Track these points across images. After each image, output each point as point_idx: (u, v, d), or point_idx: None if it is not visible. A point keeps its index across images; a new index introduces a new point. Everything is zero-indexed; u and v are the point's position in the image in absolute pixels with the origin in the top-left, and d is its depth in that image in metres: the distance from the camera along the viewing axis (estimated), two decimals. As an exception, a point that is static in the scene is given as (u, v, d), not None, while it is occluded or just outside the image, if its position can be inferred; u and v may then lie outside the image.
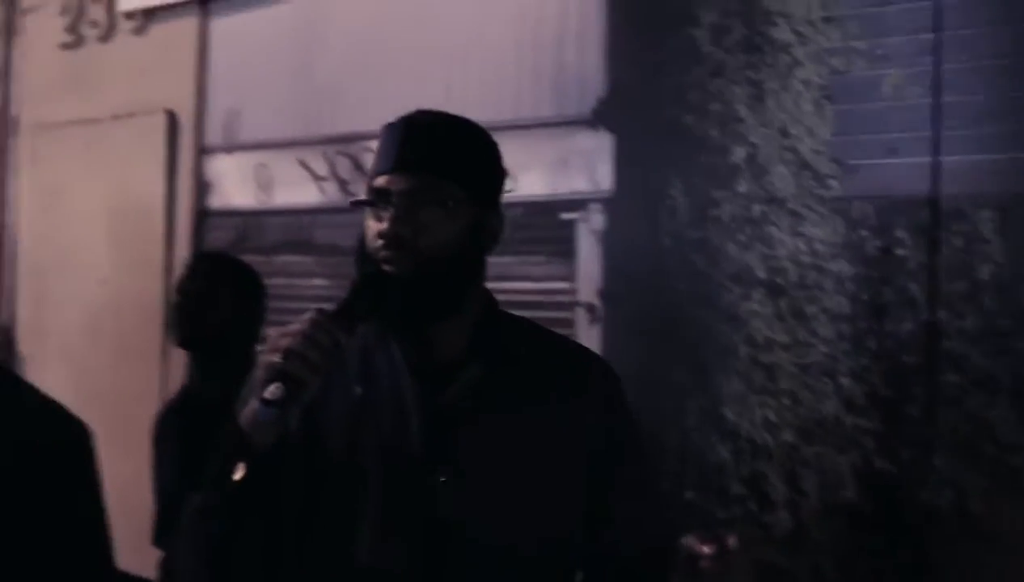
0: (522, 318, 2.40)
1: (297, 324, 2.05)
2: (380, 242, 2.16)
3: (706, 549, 1.99)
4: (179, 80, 4.75)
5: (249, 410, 2.09)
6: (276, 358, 2.02)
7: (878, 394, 2.84)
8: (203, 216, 4.65)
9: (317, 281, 3.67)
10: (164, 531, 3.69)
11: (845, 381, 2.89)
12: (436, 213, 2.16)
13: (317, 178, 4.20)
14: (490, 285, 3.53)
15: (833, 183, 2.92)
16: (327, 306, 2.08)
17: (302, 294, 4.23)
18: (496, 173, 2.29)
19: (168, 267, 4.79)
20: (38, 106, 5.57)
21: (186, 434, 3.58)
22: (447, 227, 2.17)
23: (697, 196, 3.15)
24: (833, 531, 2.91)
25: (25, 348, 5.60)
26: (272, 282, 4.07)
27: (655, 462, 2.48)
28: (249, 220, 4.45)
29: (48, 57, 5.52)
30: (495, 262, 3.52)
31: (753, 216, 3.05)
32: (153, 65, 4.93)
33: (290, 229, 4.30)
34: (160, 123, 4.83)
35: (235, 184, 4.51)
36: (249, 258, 3.88)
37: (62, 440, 2.77)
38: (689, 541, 2.01)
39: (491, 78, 3.66)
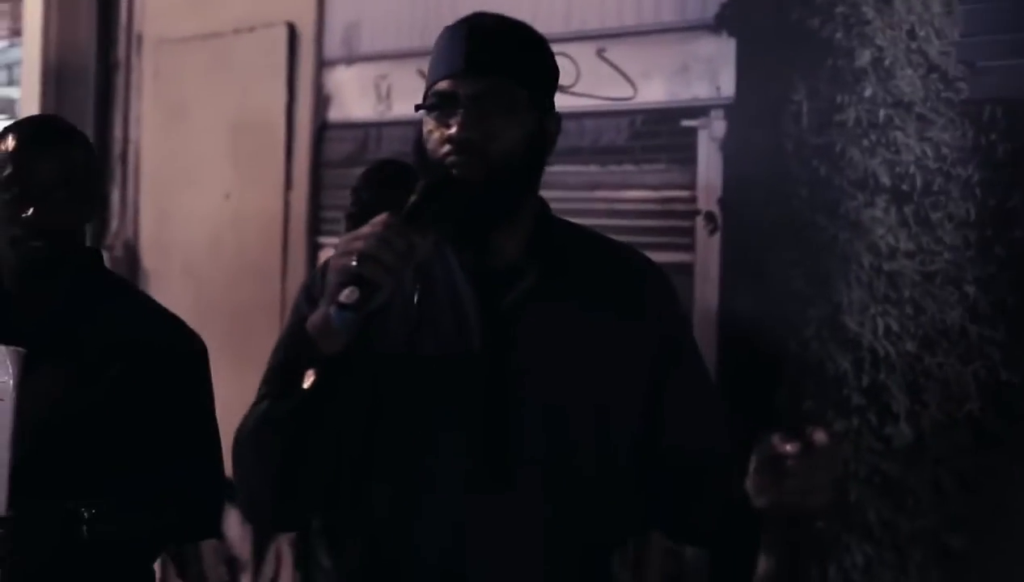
0: (576, 224, 2.37)
1: (369, 226, 2.02)
2: (447, 147, 2.12)
3: (789, 448, 1.93)
4: (299, -7, 4.74)
5: (319, 315, 2.05)
6: (350, 261, 1.99)
7: (1005, 303, 2.78)
8: (323, 129, 4.64)
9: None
10: None
11: (971, 290, 2.83)
12: (504, 118, 2.13)
13: (436, 89, 4.17)
14: (608, 193, 3.51)
15: (962, 85, 2.85)
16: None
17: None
18: (554, 76, 2.26)
19: (288, 181, 4.80)
20: (160, 22, 5.60)
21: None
22: (515, 132, 2.15)
23: (821, 101, 3.09)
24: (955, 445, 2.86)
25: (148, 263, 5.66)
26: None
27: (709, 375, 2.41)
28: (369, 132, 4.43)
29: (170, -27, 5.55)
30: (615, 171, 3.52)
31: (879, 121, 2.98)
32: (274, -22, 4.94)
33: (408, 140, 4.26)
34: (281, 36, 4.83)
35: (354, 96, 4.51)
36: (367, 170, 3.87)
37: (180, 351, 2.84)
38: (772, 440, 1.95)
39: (616, -18, 3.61)
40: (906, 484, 2.92)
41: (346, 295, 1.96)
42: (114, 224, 5.78)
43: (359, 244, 2.00)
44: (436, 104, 2.15)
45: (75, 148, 2.79)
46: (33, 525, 2.57)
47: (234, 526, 5.03)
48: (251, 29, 5.02)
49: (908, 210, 2.92)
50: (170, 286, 5.43)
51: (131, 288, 3.03)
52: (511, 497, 2.17)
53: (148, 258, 5.66)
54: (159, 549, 2.98)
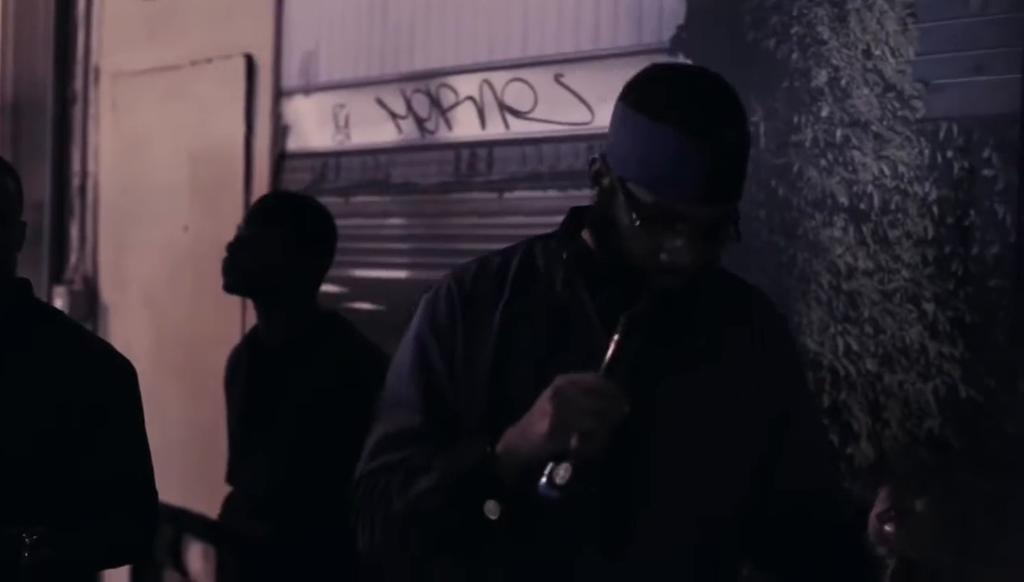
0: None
1: (581, 392, 1.96)
2: (660, 267, 2.06)
3: (919, 504, 1.93)
4: (257, 23, 4.74)
5: (518, 444, 2.02)
6: (569, 439, 1.93)
7: (964, 320, 2.78)
8: (281, 159, 4.63)
9: (394, 220, 3.64)
10: (233, 471, 3.69)
11: (929, 307, 2.83)
12: (724, 240, 2.09)
13: (395, 116, 4.17)
14: (547, 219, 3.50)
15: (918, 104, 2.85)
16: (605, 358, 2.00)
17: (379, 234, 4.21)
18: None
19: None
20: (117, 54, 5.60)
21: (250, 379, 3.58)
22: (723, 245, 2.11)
23: (778, 122, 3.09)
24: (916, 462, 2.85)
25: (107, 296, 5.64)
26: (350, 222, 4.05)
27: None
28: (327, 161, 4.43)
29: (126, 5, 5.53)
30: (574, 196, 3.52)
31: (836, 140, 2.99)
32: (230, 10, 4.93)
33: (367, 169, 4.28)
34: (239, 67, 4.83)
35: (313, 126, 4.50)
36: (327, 199, 3.86)
37: (110, 376, 2.85)
38: (891, 491, 1.96)
39: (568, 9, 3.61)
40: (869, 503, 2.91)
41: (560, 475, 1.92)
42: (73, 257, 5.75)
43: (576, 417, 1.94)
44: (657, 218, 2.04)
45: (5, 178, 2.80)
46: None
47: (196, 560, 5.00)
48: (208, 60, 5.01)
49: (866, 229, 2.93)
50: (130, 318, 5.41)
51: (60, 317, 3.03)
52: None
53: (107, 291, 5.64)
54: (94, 573, 2.98)
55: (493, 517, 2.03)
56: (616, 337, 2.01)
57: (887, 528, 1.96)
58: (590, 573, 2.15)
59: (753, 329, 2.24)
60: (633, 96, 2.10)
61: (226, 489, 4.16)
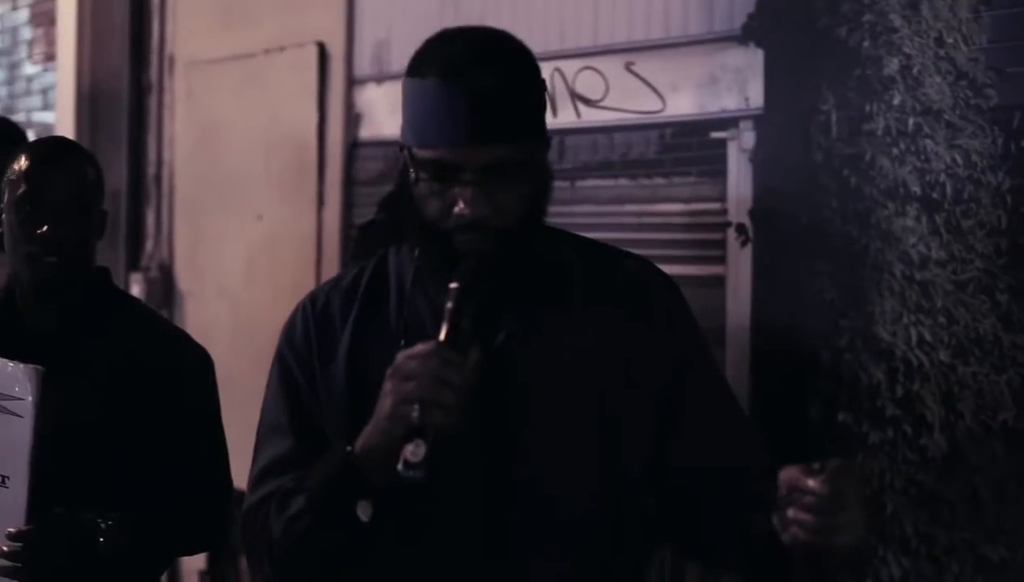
0: (568, 233, 2.30)
1: (416, 360, 1.92)
2: (453, 222, 2.03)
3: (811, 483, 1.87)
4: (329, 12, 4.75)
5: (370, 443, 1.99)
6: (412, 413, 1.89)
7: (1038, 311, 2.75)
8: (354, 147, 4.65)
9: (465, 208, 3.63)
10: None
11: (1003, 298, 2.80)
12: (516, 180, 2.05)
13: (465, 105, 4.16)
14: (638, 207, 3.49)
15: (991, 92, 2.82)
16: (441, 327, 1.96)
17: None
18: (544, 94, 2.16)
19: (320, 200, 4.80)
20: (191, 43, 5.62)
21: None
22: (527, 189, 2.07)
23: (850, 110, 3.07)
24: (991, 454, 2.83)
25: (183, 285, 5.67)
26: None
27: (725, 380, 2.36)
28: (399, 150, 4.42)
29: (200, -6, 5.57)
30: (645, 184, 3.51)
31: (908, 129, 2.96)
32: (303, -2, 4.95)
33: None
34: (311, 55, 4.84)
35: (385, 114, 4.50)
36: (397, 187, 3.86)
37: (185, 364, 2.88)
38: (789, 474, 1.90)
39: (639, -3, 3.60)
40: (942, 495, 2.89)
41: (411, 452, 1.88)
42: (149, 246, 5.79)
43: (412, 388, 1.91)
44: (436, 173, 2.05)
45: (85, 166, 2.83)
46: (52, 537, 2.60)
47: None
48: (281, 49, 5.03)
49: (939, 219, 2.90)
50: (205, 307, 5.45)
51: (138, 304, 3.07)
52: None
53: (183, 280, 5.68)
54: (169, 560, 3.02)
55: (365, 518, 2.00)
56: (449, 305, 1.98)
57: (789, 513, 1.91)
58: (478, 573, 2.13)
59: (644, 308, 2.19)
60: (409, 64, 2.13)
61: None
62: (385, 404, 1.97)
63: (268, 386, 2.29)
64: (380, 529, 2.05)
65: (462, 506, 2.13)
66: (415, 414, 1.89)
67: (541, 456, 2.12)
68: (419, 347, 1.96)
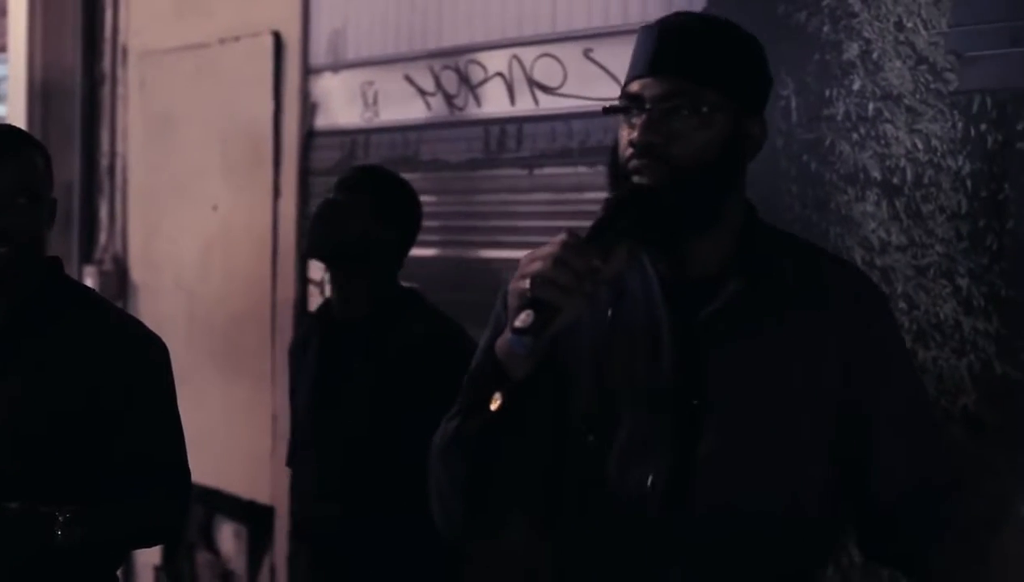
0: (788, 233, 2.28)
1: (548, 246, 1.95)
2: (630, 151, 2.07)
3: None
4: (284, 1, 4.72)
5: (503, 339, 2.01)
6: (525, 284, 1.93)
7: (998, 295, 2.75)
8: (310, 137, 4.62)
9: (423, 197, 3.62)
10: (294, 453, 3.64)
11: (963, 282, 2.80)
12: (690, 120, 2.07)
13: (423, 93, 4.15)
14: (597, 195, 3.47)
15: (951, 76, 2.82)
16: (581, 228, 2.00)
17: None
18: (759, 77, 2.18)
19: (276, 190, 4.78)
20: (145, 34, 5.59)
21: (321, 355, 3.52)
22: (702, 134, 2.08)
23: (809, 96, 3.07)
24: (950, 440, 2.82)
25: (138, 277, 5.64)
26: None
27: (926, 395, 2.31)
28: (356, 138, 4.41)
29: (155, -16, 5.53)
30: (603, 172, 3.49)
31: (868, 114, 2.96)
32: (258, -13, 4.93)
33: (396, 146, 4.26)
34: (267, 45, 4.81)
35: (341, 103, 4.49)
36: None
37: (142, 355, 2.85)
38: None
39: (597, -17, 3.59)
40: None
41: (522, 320, 1.90)
42: (102, 238, 5.75)
43: (536, 266, 1.94)
44: (624, 107, 2.11)
45: (33, 154, 2.79)
46: (9, 530, 2.58)
47: (228, 540, 5.01)
48: (236, 38, 5.00)
49: (899, 203, 2.90)
50: (161, 299, 5.41)
51: (92, 294, 3.03)
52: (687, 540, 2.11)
53: (137, 272, 5.64)
54: (125, 553, 2.99)
55: (494, 407, 2.03)
56: (601, 215, 2.03)
57: None
58: (651, 533, 2.12)
59: (846, 317, 2.14)
60: None
61: (260, 470, 4.17)
62: (512, 284, 2.01)
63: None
64: (515, 423, 2.07)
65: (640, 471, 2.11)
66: (527, 285, 1.93)
67: (725, 440, 2.10)
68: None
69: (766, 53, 2.20)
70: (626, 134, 2.09)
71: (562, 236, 1.97)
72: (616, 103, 2.12)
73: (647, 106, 2.07)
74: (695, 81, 2.08)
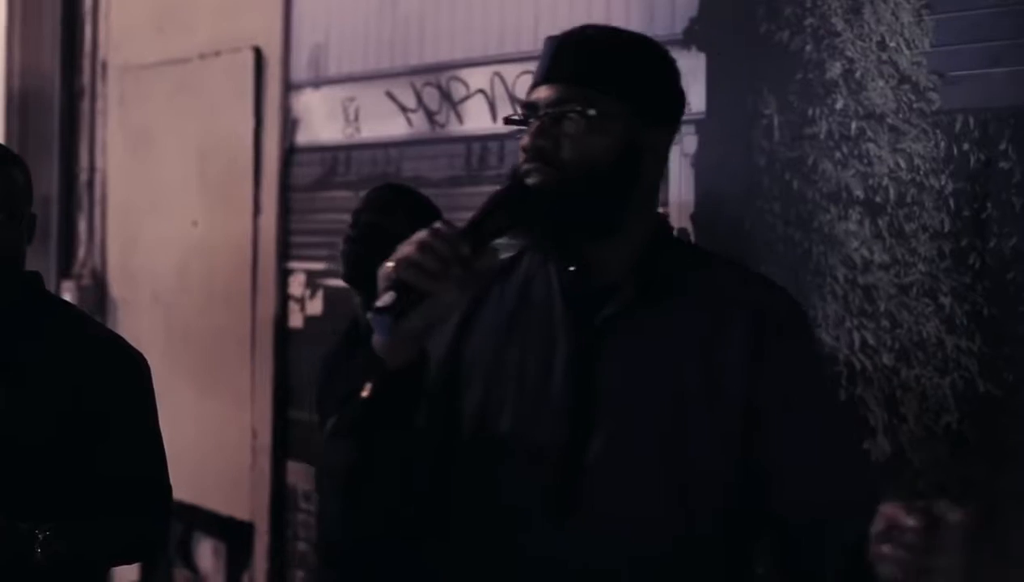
0: (702, 248, 2.31)
1: (420, 233, 1.98)
2: (523, 156, 2.10)
3: (911, 521, 1.82)
4: (265, 16, 4.72)
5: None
6: (391, 267, 1.96)
7: (981, 314, 2.75)
8: (291, 153, 4.62)
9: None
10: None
11: (946, 301, 2.81)
12: (580, 124, 2.09)
13: (405, 110, 4.15)
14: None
15: (933, 96, 2.83)
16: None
17: (390, 228, 4.18)
18: (662, 89, 2.18)
19: (256, 206, 4.77)
20: (124, 48, 5.58)
21: (350, 374, 3.50)
22: (593, 140, 2.09)
23: (792, 114, 3.07)
24: (933, 457, 2.83)
25: (116, 292, 5.62)
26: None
27: (846, 414, 2.27)
28: (337, 155, 4.41)
29: (134, -1, 5.52)
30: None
31: (850, 133, 2.96)
32: (238, 2, 4.92)
33: (377, 163, 4.26)
34: (247, 60, 4.81)
35: (322, 119, 4.48)
36: (336, 193, 3.85)
37: (121, 370, 2.84)
38: (889, 510, 1.85)
39: (580, 0, 3.58)
40: (885, 499, 2.89)
41: (383, 300, 1.95)
42: (81, 252, 5.74)
43: (404, 250, 1.97)
44: (522, 117, 2.15)
45: (11, 169, 2.79)
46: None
47: (206, 557, 4.99)
48: (217, 54, 4.99)
49: (882, 222, 2.90)
50: (139, 314, 5.40)
51: (72, 309, 3.02)
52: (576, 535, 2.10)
53: (116, 286, 5.63)
54: (105, 570, 2.98)
55: (364, 394, 2.06)
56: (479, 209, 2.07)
57: (884, 549, 1.87)
58: (537, 542, 2.11)
59: (745, 334, 2.11)
60: None
61: (239, 483, 4.12)
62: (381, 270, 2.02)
63: None
64: (387, 412, 2.08)
65: (532, 466, 2.11)
66: (391, 267, 1.96)
67: (613, 447, 2.09)
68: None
69: (677, 67, 2.22)
70: (521, 140, 2.13)
71: (436, 223, 2.01)
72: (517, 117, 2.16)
73: (540, 113, 2.10)
74: (587, 87, 2.11)
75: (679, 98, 2.23)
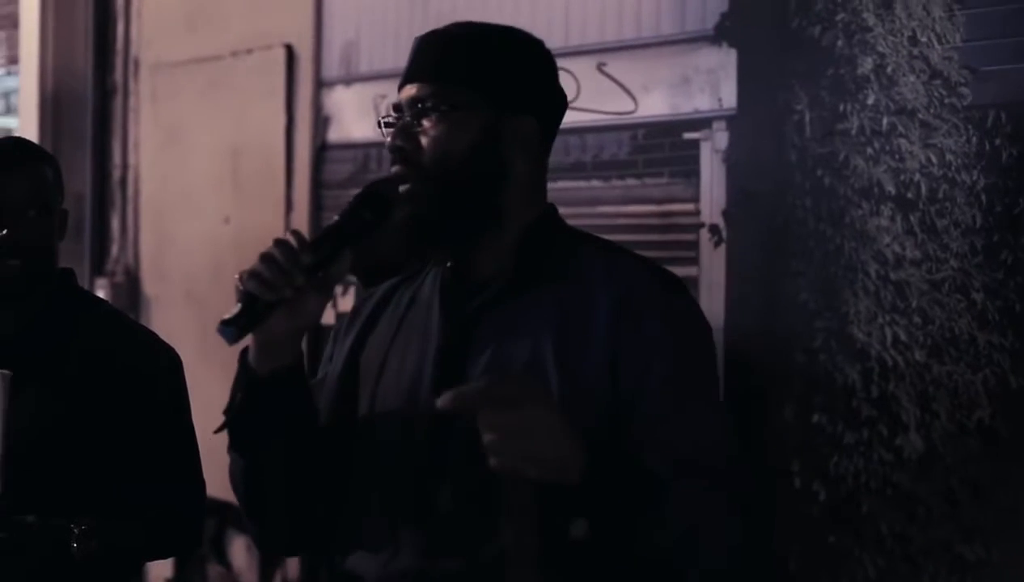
0: (590, 235, 2.26)
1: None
2: (392, 158, 2.13)
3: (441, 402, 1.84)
4: (297, 14, 4.72)
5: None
6: (237, 278, 2.02)
7: (1013, 310, 2.75)
8: (322, 150, 4.62)
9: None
10: None
11: (978, 297, 2.80)
12: (437, 120, 2.10)
13: (435, 107, 4.14)
14: (611, 208, 3.48)
15: (965, 91, 2.82)
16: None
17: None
18: (524, 77, 2.17)
19: (288, 204, 4.78)
20: (156, 46, 5.59)
21: None
22: (452, 134, 2.10)
23: (823, 110, 3.07)
24: (966, 453, 2.83)
25: (149, 289, 5.63)
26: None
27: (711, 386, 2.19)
28: (369, 152, 4.41)
29: (166, -4, 5.54)
30: (617, 186, 3.49)
31: (882, 129, 2.96)
32: (270, 0, 4.92)
33: (409, 159, 4.25)
34: (279, 58, 4.82)
35: (354, 116, 4.49)
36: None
37: (155, 365, 2.86)
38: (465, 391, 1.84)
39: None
40: (918, 495, 2.89)
41: (230, 312, 2.01)
42: (114, 250, 5.76)
43: (254, 263, 2.03)
44: (391, 119, 2.19)
45: (43, 166, 2.80)
46: (23, 544, 2.58)
47: (240, 553, 5.00)
48: (248, 51, 5.00)
49: (914, 218, 2.90)
50: (172, 312, 5.41)
51: (105, 305, 3.04)
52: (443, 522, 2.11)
53: (149, 284, 5.64)
54: (141, 565, 2.99)
55: (234, 401, 2.12)
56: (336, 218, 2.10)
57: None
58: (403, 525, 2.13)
59: (622, 317, 2.08)
60: None
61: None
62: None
63: None
64: (257, 421, 2.13)
65: (400, 455, 2.13)
66: (237, 279, 2.04)
67: (474, 435, 2.06)
68: None
69: (549, 58, 2.23)
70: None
71: (286, 233, 2.06)
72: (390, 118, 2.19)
73: (404, 113, 2.14)
74: (443, 82, 2.12)
75: (546, 87, 2.23)
